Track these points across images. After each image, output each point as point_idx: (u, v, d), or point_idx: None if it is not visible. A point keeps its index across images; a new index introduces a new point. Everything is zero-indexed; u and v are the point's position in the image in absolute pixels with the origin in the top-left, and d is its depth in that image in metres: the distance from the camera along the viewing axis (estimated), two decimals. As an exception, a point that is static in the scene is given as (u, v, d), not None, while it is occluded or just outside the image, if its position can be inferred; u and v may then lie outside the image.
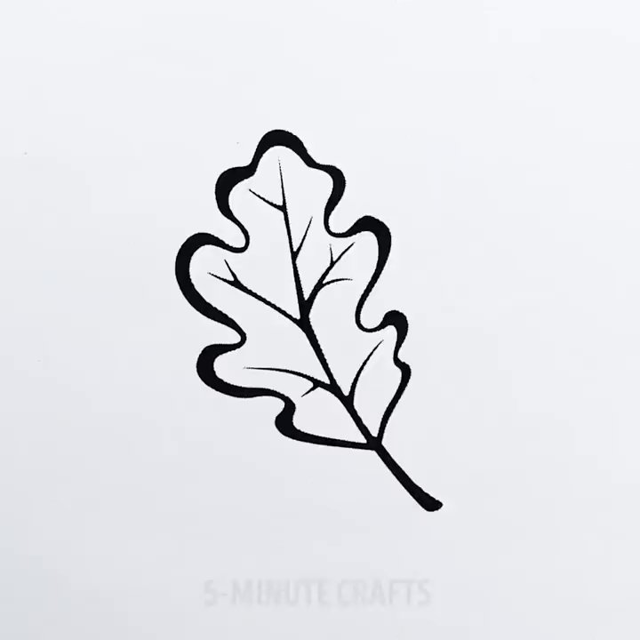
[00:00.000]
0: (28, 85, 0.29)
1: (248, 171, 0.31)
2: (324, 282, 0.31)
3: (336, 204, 0.31)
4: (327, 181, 0.31)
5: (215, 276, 0.31)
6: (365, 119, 0.31)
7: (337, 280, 0.31)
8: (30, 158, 0.29)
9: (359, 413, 0.31)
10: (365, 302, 0.32)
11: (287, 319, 0.31)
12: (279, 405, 0.31)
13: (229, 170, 0.31)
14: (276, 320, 0.31)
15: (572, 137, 0.32)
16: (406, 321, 0.32)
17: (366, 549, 0.31)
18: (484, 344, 0.32)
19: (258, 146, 0.31)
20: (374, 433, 0.31)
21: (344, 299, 0.31)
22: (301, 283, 0.31)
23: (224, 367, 0.31)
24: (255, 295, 0.31)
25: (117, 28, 0.30)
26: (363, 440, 0.31)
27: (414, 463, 0.31)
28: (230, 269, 0.31)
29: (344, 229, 0.31)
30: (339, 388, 0.31)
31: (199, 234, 0.30)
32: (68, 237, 0.30)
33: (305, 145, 0.31)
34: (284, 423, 0.31)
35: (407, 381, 0.32)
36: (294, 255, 0.31)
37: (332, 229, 0.31)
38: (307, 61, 0.31)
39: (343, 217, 0.31)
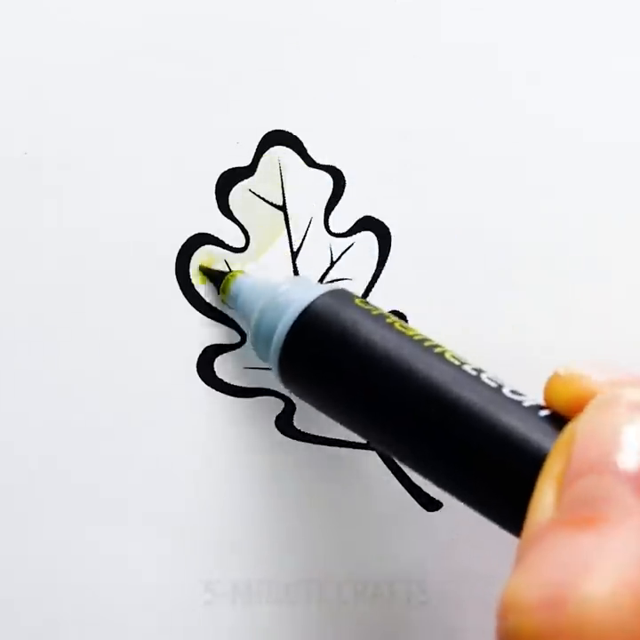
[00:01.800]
0: (28, 85, 0.29)
1: (248, 171, 0.31)
2: (324, 282, 0.31)
3: (336, 204, 0.31)
4: (327, 181, 0.31)
5: (215, 276, 0.31)
6: (365, 119, 0.31)
7: (337, 280, 0.31)
8: (30, 158, 0.29)
9: (359, 413, 0.31)
10: (365, 302, 0.31)
11: (287, 319, 0.31)
12: (279, 405, 0.31)
13: (229, 170, 0.31)
14: (275, 320, 0.31)
15: (576, 138, 0.32)
16: (406, 321, 0.32)
17: (366, 549, 0.31)
18: (486, 344, 0.32)
19: (258, 146, 0.31)
20: (374, 433, 0.31)
21: (344, 299, 0.31)
22: (301, 283, 0.31)
23: (224, 367, 0.31)
24: (255, 295, 0.31)
25: (117, 27, 0.30)
26: (363, 440, 0.31)
27: (414, 463, 0.31)
28: (230, 269, 0.31)
29: (344, 229, 0.31)
30: (339, 387, 0.31)
31: (199, 234, 0.30)
32: (67, 237, 0.30)
33: (305, 145, 0.31)
34: (284, 423, 0.31)
35: (407, 381, 0.32)
36: (294, 255, 0.31)
37: (332, 229, 0.31)
38: (307, 61, 0.31)
39: (343, 217, 0.31)
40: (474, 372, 0.25)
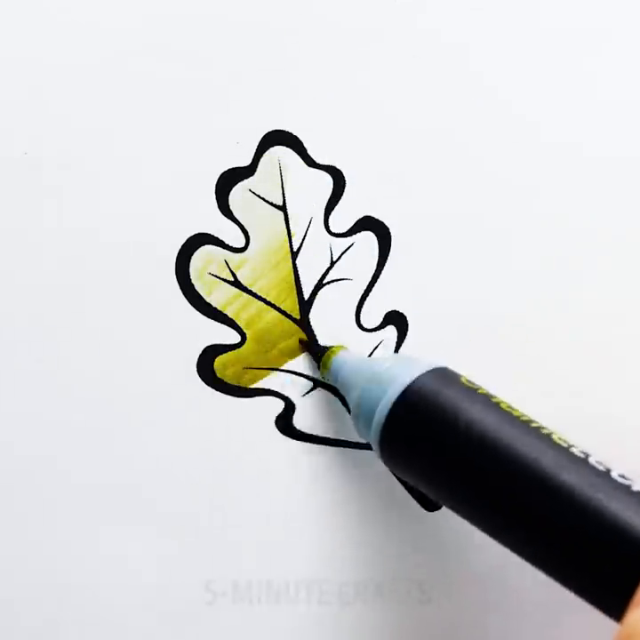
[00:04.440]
0: (28, 85, 0.29)
1: (248, 171, 0.31)
2: (324, 282, 0.31)
3: (336, 204, 0.31)
4: (327, 181, 0.31)
5: (215, 276, 0.31)
6: (365, 119, 0.31)
7: (337, 280, 0.31)
8: (30, 158, 0.29)
9: (359, 413, 0.31)
10: (365, 302, 0.32)
11: (287, 319, 0.31)
12: (279, 405, 0.31)
13: (229, 170, 0.31)
14: (276, 320, 0.31)
15: (578, 139, 0.32)
16: (406, 321, 0.32)
17: (366, 549, 0.31)
18: (486, 344, 0.32)
19: (258, 146, 0.31)
20: (374, 433, 0.31)
21: (344, 299, 0.31)
22: (301, 283, 0.31)
23: (224, 367, 0.31)
24: (255, 295, 0.31)
25: (117, 27, 0.30)
26: (363, 440, 0.31)
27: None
28: (230, 269, 0.31)
29: (344, 229, 0.31)
30: (339, 388, 0.31)
31: (199, 234, 0.30)
32: (67, 237, 0.30)
33: (305, 145, 0.31)
34: (284, 423, 0.31)
35: (407, 381, 0.32)
36: (294, 255, 0.31)
37: (332, 229, 0.31)
38: (307, 61, 0.31)
39: (343, 217, 0.31)
40: (582, 455, 0.25)
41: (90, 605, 0.30)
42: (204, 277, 0.31)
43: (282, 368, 0.31)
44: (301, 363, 0.31)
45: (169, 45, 0.30)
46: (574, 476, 0.24)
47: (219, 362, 0.31)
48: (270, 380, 0.31)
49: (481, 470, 0.25)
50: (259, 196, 0.31)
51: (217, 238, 0.31)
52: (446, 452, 0.26)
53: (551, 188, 0.32)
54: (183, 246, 0.30)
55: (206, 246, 0.31)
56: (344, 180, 0.31)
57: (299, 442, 0.31)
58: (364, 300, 0.31)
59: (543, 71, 0.32)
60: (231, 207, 0.31)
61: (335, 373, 0.30)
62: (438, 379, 0.27)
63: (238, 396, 0.31)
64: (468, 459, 0.25)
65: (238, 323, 0.31)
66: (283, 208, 0.31)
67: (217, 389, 0.31)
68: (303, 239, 0.31)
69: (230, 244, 0.31)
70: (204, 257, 0.30)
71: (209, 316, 0.31)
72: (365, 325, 0.32)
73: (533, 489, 0.24)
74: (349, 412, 0.30)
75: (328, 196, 0.31)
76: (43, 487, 0.30)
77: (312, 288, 0.31)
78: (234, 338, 0.31)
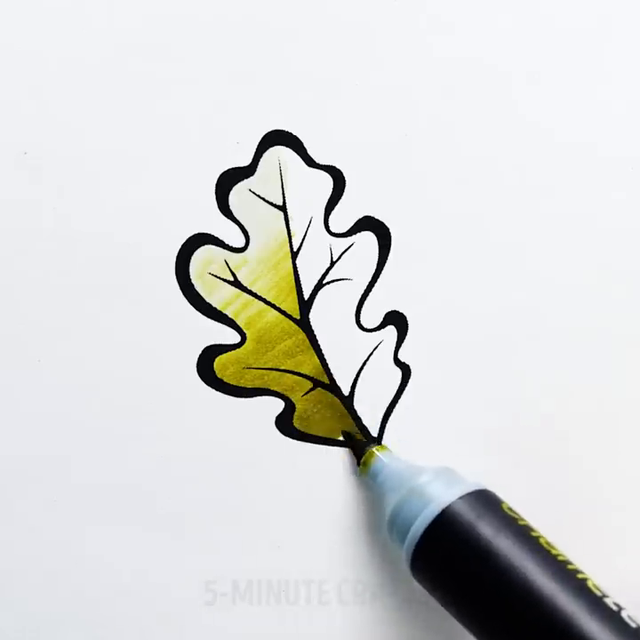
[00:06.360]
0: (28, 85, 0.29)
1: (248, 171, 0.31)
2: (324, 282, 0.31)
3: (336, 204, 0.31)
4: (327, 181, 0.31)
5: (215, 276, 0.31)
6: (365, 119, 0.31)
7: (337, 280, 0.31)
8: (30, 158, 0.29)
9: (359, 413, 0.31)
10: (365, 302, 0.32)
11: (287, 319, 0.31)
12: (279, 405, 0.31)
13: (229, 170, 0.31)
14: (276, 320, 0.31)
15: (575, 140, 0.32)
16: (406, 321, 0.32)
17: (366, 549, 0.31)
18: (485, 344, 0.32)
19: (258, 146, 0.31)
20: (374, 433, 0.31)
21: (344, 299, 0.31)
22: (301, 283, 0.31)
23: (224, 367, 0.31)
24: (255, 295, 0.31)
25: (117, 27, 0.30)
26: (363, 440, 0.31)
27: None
28: (230, 269, 0.31)
29: (344, 229, 0.31)
30: (339, 388, 0.31)
31: (199, 234, 0.30)
32: (67, 237, 0.30)
33: (305, 145, 0.31)
34: (284, 423, 0.31)
35: (407, 381, 0.32)
36: (294, 255, 0.31)
37: (332, 229, 0.31)
38: (307, 61, 0.31)
39: (343, 217, 0.31)
40: (615, 608, 0.25)
41: (90, 605, 0.30)
42: (204, 277, 0.31)
43: (282, 368, 0.31)
44: (301, 362, 0.31)
45: (169, 45, 0.30)
46: (604, 632, 0.24)
47: (219, 362, 0.31)
48: (270, 380, 0.31)
49: (508, 609, 0.25)
50: (259, 195, 0.31)
51: (217, 238, 0.31)
52: (477, 582, 0.26)
53: (551, 189, 0.32)
54: (183, 246, 0.30)
55: (206, 246, 0.31)
56: (344, 180, 0.31)
57: (299, 442, 0.31)
58: (364, 300, 0.31)
59: (545, 71, 0.32)
60: (231, 207, 0.31)
61: (374, 475, 0.30)
62: (479, 503, 0.27)
63: (238, 396, 0.31)
64: (497, 593, 0.25)
65: (238, 323, 0.31)
66: (283, 208, 0.31)
67: (217, 389, 0.31)
68: (303, 239, 0.31)
69: (230, 244, 0.31)
70: (203, 257, 0.30)
71: (209, 316, 0.31)
72: (365, 325, 0.32)
73: (560, 636, 0.24)
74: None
75: (328, 196, 0.31)
76: (42, 487, 0.30)
77: (312, 288, 0.31)
78: (234, 338, 0.31)
